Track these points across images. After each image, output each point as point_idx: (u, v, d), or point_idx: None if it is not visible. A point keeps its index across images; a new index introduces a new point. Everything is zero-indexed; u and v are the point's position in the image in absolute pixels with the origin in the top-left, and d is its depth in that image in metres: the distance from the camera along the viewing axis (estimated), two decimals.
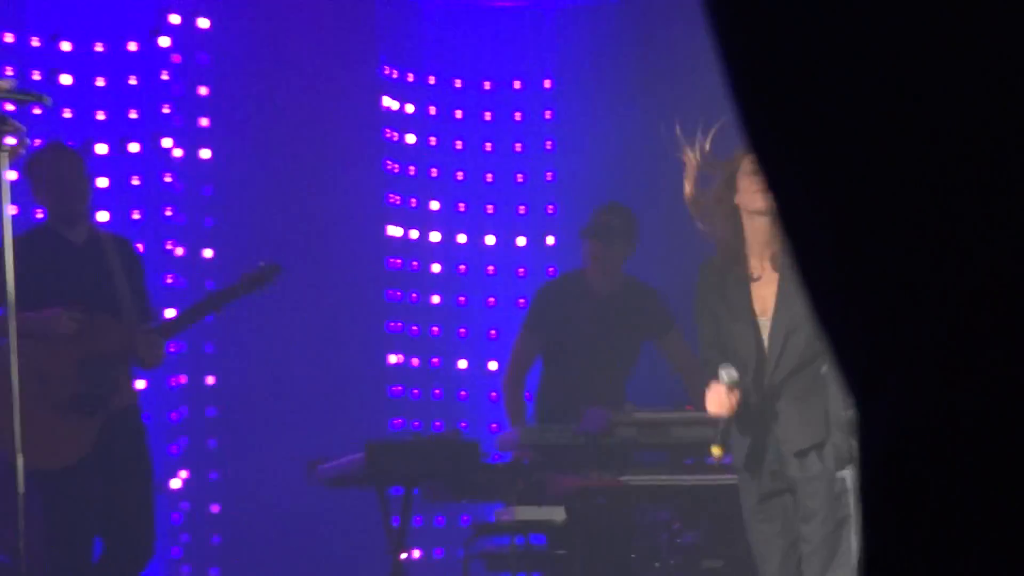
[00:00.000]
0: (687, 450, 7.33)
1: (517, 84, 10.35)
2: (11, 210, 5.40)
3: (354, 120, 9.82)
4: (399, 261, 10.02)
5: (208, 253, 9.46)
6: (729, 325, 5.88)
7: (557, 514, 7.09)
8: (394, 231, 10.01)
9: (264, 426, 9.22)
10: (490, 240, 10.29)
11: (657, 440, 7.37)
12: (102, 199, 8.71)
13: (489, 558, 7.64)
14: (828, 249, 1.07)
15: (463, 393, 10.12)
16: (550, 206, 10.30)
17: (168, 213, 9.44)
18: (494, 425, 9.59)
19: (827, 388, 5.72)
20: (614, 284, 8.21)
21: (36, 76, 9.21)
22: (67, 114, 9.24)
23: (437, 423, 9.85)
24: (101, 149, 9.12)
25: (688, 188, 5.95)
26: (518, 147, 10.36)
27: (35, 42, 9.25)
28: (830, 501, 5.68)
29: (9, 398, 6.63)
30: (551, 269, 9.87)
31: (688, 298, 8.24)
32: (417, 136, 10.16)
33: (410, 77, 10.15)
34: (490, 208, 10.31)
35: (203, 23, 9.51)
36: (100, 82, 9.40)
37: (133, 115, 9.43)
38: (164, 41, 9.48)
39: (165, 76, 9.48)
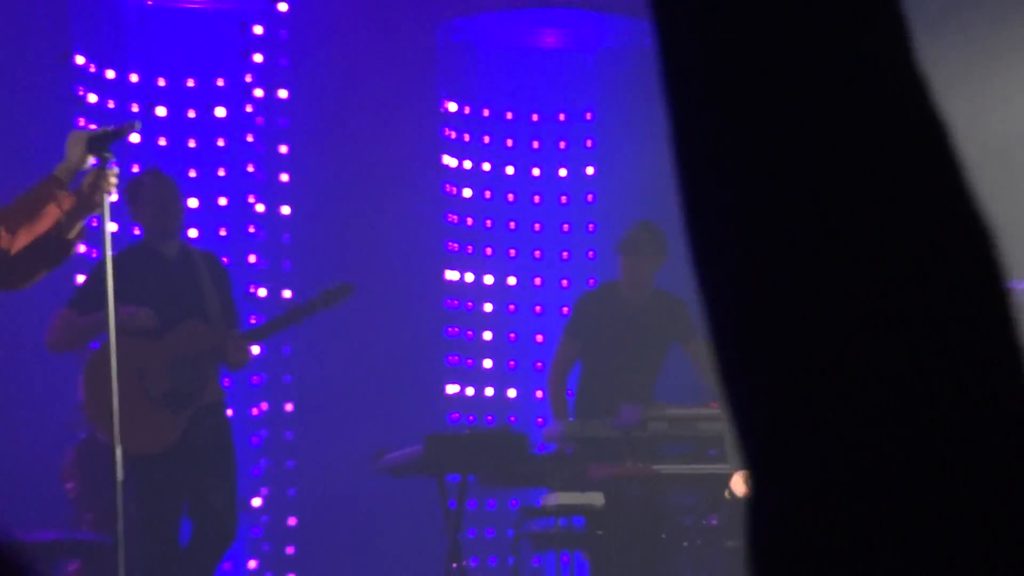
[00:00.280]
0: (711, 442, 7.28)
1: (562, 116, 10.31)
2: (112, 227, 5.42)
3: (417, 148, 9.79)
4: (456, 274, 10.02)
5: (286, 265, 9.50)
6: None
7: (596, 499, 7.09)
8: (452, 247, 10.02)
9: (335, 420, 9.21)
10: (537, 254, 10.28)
11: (685, 433, 7.35)
12: (193, 218, 8.74)
13: (535, 538, 7.63)
14: (732, 322, 1.05)
15: (512, 391, 10.09)
16: (591, 224, 10.27)
17: (251, 230, 9.48)
18: (540, 420, 9.55)
19: None
20: (645, 294, 8.15)
21: (135, 108, 9.28)
22: (162, 142, 9.31)
23: (489, 418, 9.84)
24: (191, 174, 9.16)
25: None
26: (563, 172, 10.33)
27: (134, 78, 9.30)
28: None
29: (110, 393, 6.67)
30: (591, 280, 9.83)
31: None
32: (472, 162, 10.16)
33: (467, 110, 10.14)
34: (537, 226, 10.29)
35: (283, 62, 9.56)
36: (191, 114, 9.45)
37: (220, 143, 9.50)
38: (248, 78, 9.53)
39: (249, 109, 9.54)
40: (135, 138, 7.27)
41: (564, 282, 10.24)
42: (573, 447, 7.52)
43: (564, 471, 7.36)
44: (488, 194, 10.19)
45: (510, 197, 10.26)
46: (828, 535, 0.98)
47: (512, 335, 10.17)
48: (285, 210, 9.52)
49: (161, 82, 9.39)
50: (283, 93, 9.55)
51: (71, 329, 6.74)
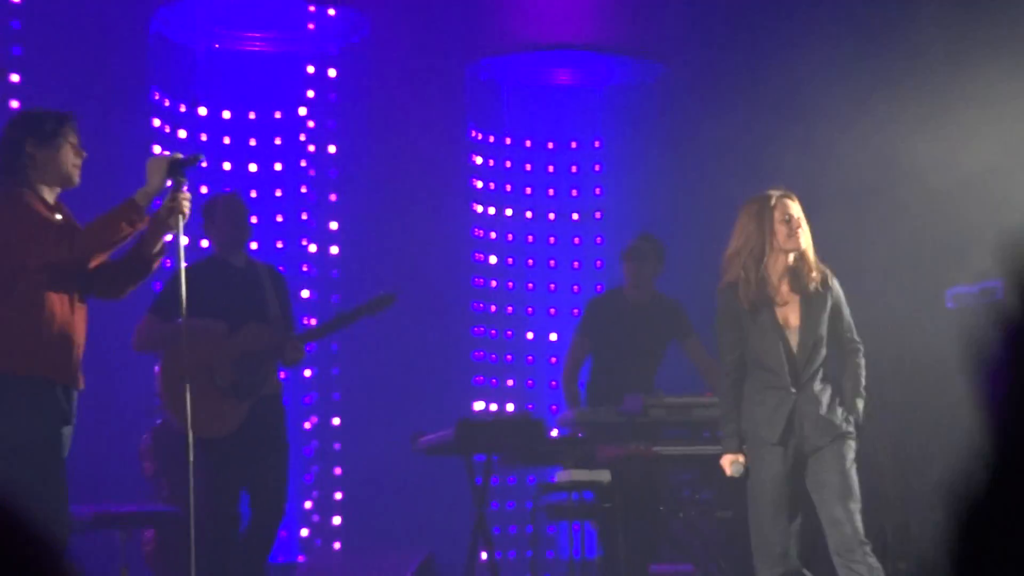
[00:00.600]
0: (704, 426, 7.24)
1: (574, 144, 10.29)
2: (184, 240, 5.44)
3: (448, 171, 9.76)
4: (481, 280, 10.03)
5: (334, 273, 9.51)
6: (758, 338, 5.62)
7: (603, 476, 7.08)
8: (478, 257, 10.03)
9: (376, 407, 9.18)
10: (552, 263, 10.27)
11: (681, 419, 7.30)
12: (253, 232, 8.76)
13: (550, 509, 7.57)
14: None
15: (530, 382, 10.03)
16: (598, 238, 10.25)
17: (304, 243, 9.49)
18: (553, 407, 9.54)
19: (834, 385, 5.66)
20: (646, 297, 8.12)
21: (203, 137, 9.28)
22: (226, 166, 9.32)
23: (510, 405, 9.85)
24: (252, 194, 9.19)
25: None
26: (574, 192, 10.32)
27: (202, 111, 9.29)
28: (842, 464, 5.58)
29: (183, 384, 6.73)
30: (599, 286, 9.83)
31: (711, 308, 8.24)
32: (496, 184, 10.15)
33: (491, 138, 10.12)
34: (552, 239, 10.27)
35: (332, 97, 9.59)
36: (252, 142, 9.45)
37: (277, 167, 9.48)
38: (302, 111, 9.56)
39: (302, 137, 9.50)
40: (204, 163, 7.28)
41: (575, 287, 10.20)
42: (584, 431, 7.48)
43: (576, 451, 7.33)
44: (510, 211, 10.18)
45: (528, 214, 10.24)
46: None
47: (530, 334, 10.14)
48: (333, 225, 9.48)
49: (226, 115, 9.37)
50: (332, 124, 9.57)
51: (153, 333, 6.76)
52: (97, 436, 7.78)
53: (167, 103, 9.14)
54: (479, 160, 10.07)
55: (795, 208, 5.66)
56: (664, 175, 9.61)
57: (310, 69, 9.53)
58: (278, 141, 9.48)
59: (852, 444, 5.60)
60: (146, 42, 8.88)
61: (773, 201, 5.64)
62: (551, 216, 10.28)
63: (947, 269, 7.78)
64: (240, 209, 7.09)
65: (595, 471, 7.09)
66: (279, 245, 9.35)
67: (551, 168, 10.29)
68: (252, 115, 9.44)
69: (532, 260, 10.22)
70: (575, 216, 10.31)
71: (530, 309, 10.17)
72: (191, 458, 5.43)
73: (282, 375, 7.41)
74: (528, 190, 10.25)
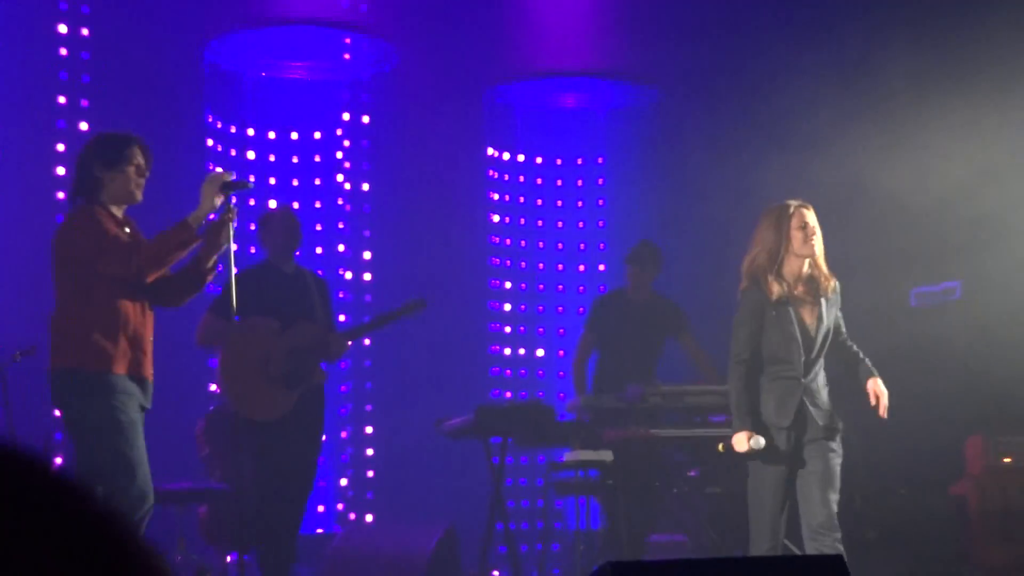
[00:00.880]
0: (697, 412, 7.26)
1: (579, 160, 10.30)
2: (233, 246, 5.47)
3: (468, 184, 9.79)
4: (497, 282, 10.05)
5: (367, 276, 9.54)
6: (777, 332, 5.56)
7: (607, 456, 7.07)
8: (494, 261, 10.05)
9: (404, 395, 9.19)
10: (560, 267, 10.28)
11: (676, 405, 7.29)
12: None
13: (559, 486, 7.60)
14: None
15: (541, 372, 10.02)
16: (601, 244, 10.23)
17: (340, 248, 9.52)
18: (562, 395, 9.57)
19: (829, 382, 5.69)
20: (646, 297, 8.14)
21: (251, 155, 9.32)
22: (272, 181, 9.34)
23: (523, 393, 9.79)
24: (295, 205, 9.20)
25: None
26: (580, 203, 10.30)
27: (251, 132, 9.31)
28: (831, 455, 5.59)
29: (241, 374, 6.80)
30: (601, 287, 9.84)
31: (704, 306, 8.25)
32: (510, 196, 10.18)
33: (506, 156, 10.17)
34: (560, 245, 10.26)
35: (365, 119, 9.62)
36: (294, 159, 9.44)
37: (317, 181, 9.48)
38: (338, 131, 9.54)
39: (339, 155, 9.49)
40: (251, 186, 7.26)
41: (581, 288, 10.19)
42: (589, 415, 7.49)
43: (582, 434, 7.32)
44: (523, 220, 10.17)
45: (539, 223, 10.23)
46: None
47: (541, 329, 10.13)
48: (366, 233, 9.58)
49: (271, 135, 9.39)
50: (365, 143, 9.61)
51: (213, 331, 6.81)
52: (155, 422, 7.82)
53: (219, 125, 9.16)
54: (495, 175, 10.08)
55: (811, 217, 5.61)
56: (660, 188, 9.62)
57: (346, 95, 9.54)
58: (317, 158, 9.49)
59: (839, 439, 5.61)
60: (201, 71, 8.90)
61: (791, 210, 5.60)
62: (559, 224, 10.29)
63: (911, 271, 7.79)
64: (293, 223, 7.15)
65: (599, 452, 7.10)
66: (318, 251, 9.37)
67: (559, 182, 10.30)
68: (294, 135, 9.46)
69: (543, 264, 10.21)
70: (580, 224, 10.31)
71: (541, 307, 10.17)
72: (239, 440, 5.42)
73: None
74: (539, 201, 10.26)
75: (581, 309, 9.56)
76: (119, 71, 8.44)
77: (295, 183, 9.43)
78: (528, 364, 10.04)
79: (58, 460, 7.77)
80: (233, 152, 9.22)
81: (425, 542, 7.52)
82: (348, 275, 9.46)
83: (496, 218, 10.04)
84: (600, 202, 10.33)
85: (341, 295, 9.25)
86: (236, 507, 6.91)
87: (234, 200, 5.35)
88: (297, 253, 7.17)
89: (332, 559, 7.59)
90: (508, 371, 9.94)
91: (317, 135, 9.50)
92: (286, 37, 9.17)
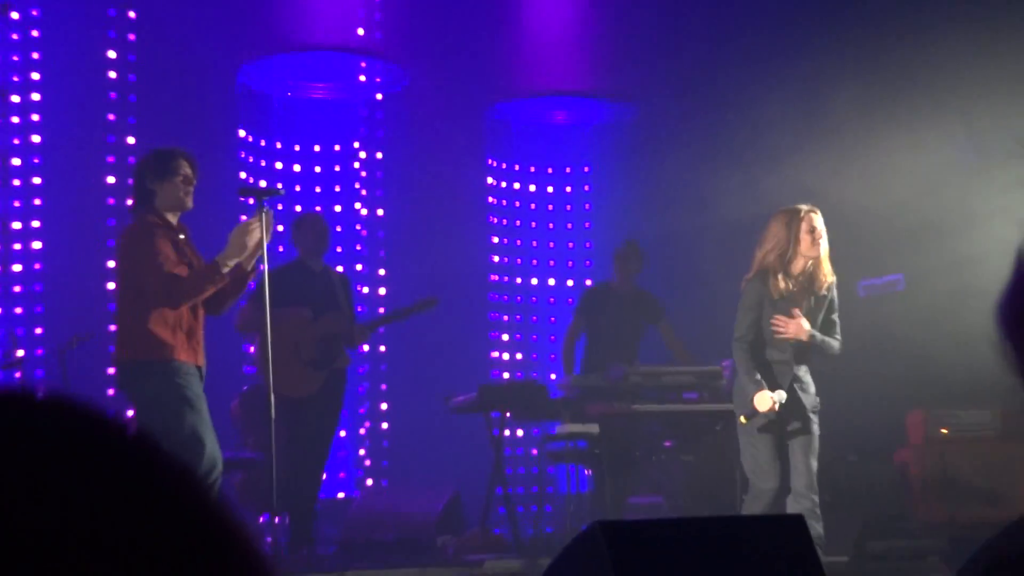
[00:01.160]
0: (672, 390, 7.28)
1: (568, 169, 10.28)
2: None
3: (471, 191, 9.79)
4: (496, 276, 10.06)
5: (382, 272, 9.51)
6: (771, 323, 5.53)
7: (593, 428, 7.09)
8: (494, 258, 10.09)
9: (415, 375, 9.15)
10: (551, 263, 10.26)
11: (654, 384, 7.29)
12: None
13: (552, 455, 7.52)
14: None
15: (535, 355, 10.00)
16: (587, 243, 10.26)
17: (358, 248, 9.53)
18: (554, 375, 9.59)
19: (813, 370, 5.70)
20: (630, 289, 8.14)
21: (279, 165, 9.35)
22: (297, 188, 9.35)
23: (519, 374, 9.78)
24: (317, 209, 9.22)
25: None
26: (568, 207, 10.31)
27: (278, 144, 9.31)
28: (813, 430, 5.62)
29: (277, 356, 6.84)
30: (588, 281, 9.89)
31: (679, 297, 8.29)
32: (507, 201, 10.23)
33: (504, 165, 10.19)
34: (551, 244, 10.29)
35: (379, 133, 9.64)
36: (317, 168, 9.43)
37: (337, 189, 9.52)
38: (355, 144, 9.55)
39: (356, 165, 9.49)
40: (280, 185, 7.29)
41: (570, 282, 10.18)
42: (577, 393, 7.48)
43: (571, 409, 7.34)
44: (518, 222, 10.19)
45: (533, 224, 10.24)
46: None
47: (534, 318, 10.11)
48: (380, 234, 9.61)
49: (297, 148, 9.41)
50: (379, 155, 9.63)
51: (250, 319, 6.85)
52: None
53: (251, 139, 9.14)
54: (494, 182, 10.09)
55: (819, 221, 5.51)
56: (640, 194, 9.66)
57: (362, 112, 9.55)
58: (337, 168, 9.47)
59: (817, 419, 5.60)
60: (234, 91, 8.88)
61: (802, 214, 5.51)
62: (551, 225, 10.28)
63: (858, 264, 7.87)
64: (323, 227, 7.21)
65: (587, 425, 7.11)
66: (339, 250, 9.30)
67: (550, 188, 10.30)
68: (317, 148, 9.45)
69: (536, 260, 10.21)
70: (569, 226, 10.32)
71: (535, 299, 10.15)
72: (273, 417, 5.50)
73: None
74: (532, 205, 10.25)
75: (570, 300, 9.55)
76: (162, 91, 8.43)
77: (317, 190, 9.43)
78: (524, 348, 10.02)
79: None
80: (263, 163, 9.22)
81: (434, 504, 7.57)
82: (365, 271, 9.49)
83: (495, 220, 10.02)
84: (587, 206, 10.36)
85: (359, 288, 9.30)
86: (267, 474, 6.97)
87: (270, 209, 5.39)
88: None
89: (353, 519, 7.64)
90: (506, 354, 9.94)
91: (337, 148, 9.49)
92: (310, 61, 9.18)
